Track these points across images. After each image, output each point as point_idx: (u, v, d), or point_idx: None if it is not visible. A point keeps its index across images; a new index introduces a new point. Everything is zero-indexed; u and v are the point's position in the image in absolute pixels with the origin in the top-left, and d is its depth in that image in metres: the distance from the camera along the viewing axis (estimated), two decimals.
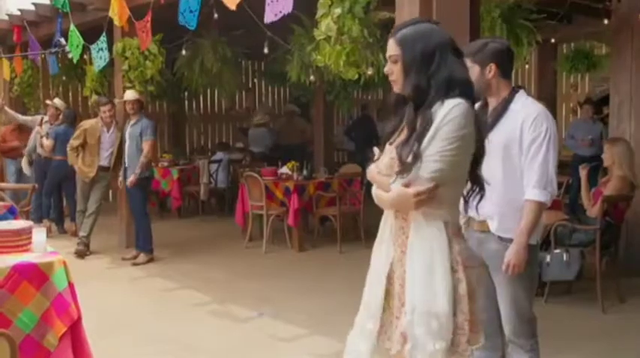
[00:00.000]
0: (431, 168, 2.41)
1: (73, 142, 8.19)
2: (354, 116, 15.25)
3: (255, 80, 15.27)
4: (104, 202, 8.50)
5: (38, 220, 9.42)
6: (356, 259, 8.01)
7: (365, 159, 10.84)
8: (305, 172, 8.67)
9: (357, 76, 5.42)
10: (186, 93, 13.46)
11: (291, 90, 14.58)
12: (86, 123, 8.29)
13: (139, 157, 7.58)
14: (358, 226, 8.55)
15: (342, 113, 14.20)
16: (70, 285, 3.62)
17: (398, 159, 2.47)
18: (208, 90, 14.34)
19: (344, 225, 8.42)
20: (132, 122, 7.73)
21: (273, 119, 14.10)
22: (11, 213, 6.69)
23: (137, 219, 7.82)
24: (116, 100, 8.06)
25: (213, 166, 10.92)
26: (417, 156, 2.42)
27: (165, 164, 10.98)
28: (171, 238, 9.35)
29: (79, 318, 3.64)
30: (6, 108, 10.51)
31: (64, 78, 11.06)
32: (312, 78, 8.11)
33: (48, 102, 9.92)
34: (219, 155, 11.39)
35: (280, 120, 13.98)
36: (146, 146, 7.63)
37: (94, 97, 8.85)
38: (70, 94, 12.61)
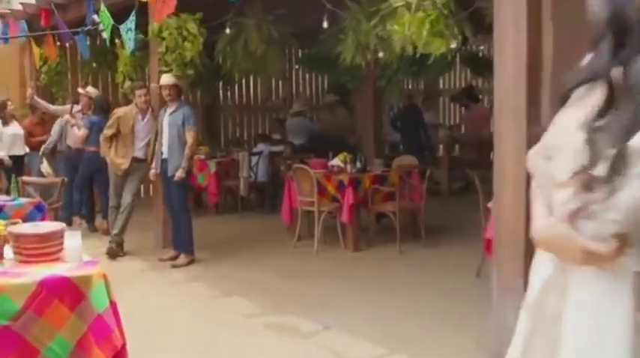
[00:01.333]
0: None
1: (107, 132, 7.46)
2: (395, 105, 14.46)
3: (296, 66, 14.43)
4: (137, 198, 7.75)
5: (68, 218, 8.72)
6: (416, 259, 7.23)
7: (412, 151, 9.91)
8: (359, 164, 7.85)
9: (442, 49, 4.58)
10: (220, 83, 12.71)
11: (333, 79, 13.78)
12: (119, 111, 7.57)
13: (180, 148, 6.84)
14: (418, 224, 7.72)
15: (390, 101, 13.32)
16: (113, 305, 2.86)
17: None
18: (243, 81, 13.61)
19: (402, 222, 7.59)
20: (171, 109, 6.99)
21: (311, 109, 13.31)
22: (39, 211, 5.97)
23: (178, 217, 7.07)
24: (152, 85, 7.31)
25: (253, 159, 10.14)
26: (619, 167, 1.61)
27: (202, 157, 10.22)
28: (210, 237, 8.60)
29: (124, 346, 2.87)
30: (36, 97, 9.83)
31: (94, 65, 10.36)
32: (369, 58, 7.29)
33: (80, 90, 9.21)
34: (259, 147, 10.61)
35: (321, 111, 13.20)
36: (190, 136, 6.88)
37: (127, 84, 8.10)
38: (100, 83, 11.88)
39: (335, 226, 7.81)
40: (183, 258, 7.03)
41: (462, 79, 16.17)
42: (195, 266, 7.06)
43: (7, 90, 11.34)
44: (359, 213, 7.69)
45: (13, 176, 6.44)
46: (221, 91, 13.37)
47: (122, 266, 7.13)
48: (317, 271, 6.82)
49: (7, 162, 9.68)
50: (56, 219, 6.44)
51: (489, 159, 13.52)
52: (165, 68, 7.31)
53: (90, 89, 9.20)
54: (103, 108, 8.53)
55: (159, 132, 7.10)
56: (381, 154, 10.02)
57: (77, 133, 8.54)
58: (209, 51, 8.73)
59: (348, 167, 7.75)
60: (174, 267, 6.94)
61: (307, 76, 14.84)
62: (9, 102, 9.91)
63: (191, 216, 7.13)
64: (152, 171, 7.23)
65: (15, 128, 9.89)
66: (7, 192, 10.04)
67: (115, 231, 7.45)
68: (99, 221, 8.83)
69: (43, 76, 10.71)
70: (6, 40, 10.36)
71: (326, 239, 7.84)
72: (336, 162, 7.94)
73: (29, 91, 9.91)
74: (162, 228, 7.69)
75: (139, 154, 7.47)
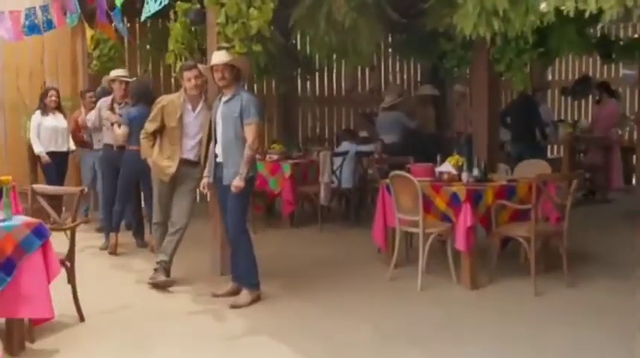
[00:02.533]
0: None
1: (148, 126, 5.82)
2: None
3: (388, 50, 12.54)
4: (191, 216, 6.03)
5: (108, 233, 7.19)
6: (559, 303, 5.27)
7: (525, 152, 7.88)
8: (476, 171, 5.93)
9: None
10: (299, 70, 10.96)
11: (431, 66, 11.88)
12: (164, 99, 5.90)
13: (238, 148, 5.14)
14: (560, 253, 5.71)
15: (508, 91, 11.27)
16: None
17: None
18: (325, 69, 11.82)
19: (537, 250, 5.62)
20: (226, 98, 5.28)
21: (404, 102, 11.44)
22: (38, 236, 4.36)
23: (234, 241, 5.35)
24: (201, 66, 5.59)
25: (337, 161, 8.33)
26: None
27: (275, 157, 8.50)
28: (282, 258, 6.88)
29: None
30: (88, 121, 8.11)
31: (147, 47, 8.80)
32: (496, 28, 5.34)
33: (112, 74, 7.66)
34: (344, 146, 8.80)
35: (413, 104, 11.29)
36: (250, 132, 5.14)
37: (179, 65, 6.42)
38: (162, 70, 10.35)
39: (444, 251, 5.91)
40: (245, 296, 5.29)
41: (574, 68, 13.95)
42: (262, 305, 5.31)
43: (57, 79, 10.00)
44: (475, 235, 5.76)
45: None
46: (299, 80, 11.61)
47: (164, 304, 5.45)
48: (430, 321, 4.93)
49: (45, 159, 8.25)
50: (72, 245, 4.80)
51: (616, 162, 11.48)
52: (225, 44, 5.59)
53: (120, 72, 7.64)
54: (143, 95, 6.91)
55: (212, 128, 5.39)
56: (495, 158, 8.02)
57: (117, 132, 6.97)
58: (284, 29, 6.94)
59: (464, 175, 5.83)
60: (233, 307, 5.20)
61: (398, 64, 12.94)
62: (50, 92, 8.45)
63: (250, 240, 5.35)
64: (204, 180, 5.53)
65: (57, 120, 8.43)
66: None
67: (162, 257, 5.78)
68: (149, 235, 7.19)
69: (95, 62, 9.22)
70: (50, 26, 8.86)
71: (432, 268, 5.94)
72: (446, 167, 6.03)
73: (80, 116, 8.41)
74: (221, 250, 5.99)
75: (190, 156, 5.78)
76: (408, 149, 10.83)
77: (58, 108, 8.48)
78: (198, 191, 5.95)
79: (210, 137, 5.47)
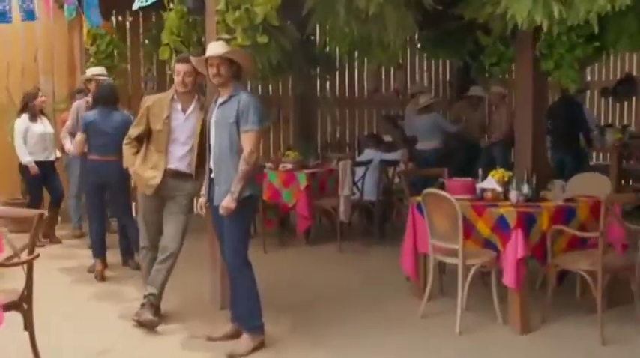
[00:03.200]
0: None
1: (132, 131, 4.88)
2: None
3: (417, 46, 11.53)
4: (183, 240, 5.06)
5: (99, 256, 6.29)
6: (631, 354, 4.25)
7: (568, 160, 6.72)
8: (526, 188, 4.92)
9: None
10: (317, 68, 9.99)
11: (459, 65, 10.92)
12: (150, 99, 4.95)
13: (232, 161, 4.21)
14: (630, 290, 4.69)
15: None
16: None
17: None
18: (346, 67, 10.87)
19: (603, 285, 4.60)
20: (221, 99, 4.34)
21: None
22: None
23: (232, 273, 4.38)
24: (193, 59, 4.62)
25: (359, 171, 7.34)
26: None
27: (289, 166, 7.54)
28: (294, 286, 5.94)
29: None
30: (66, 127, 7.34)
31: (146, 42, 7.90)
32: (556, 14, 4.35)
33: (88, 73, 6.85)
34: (368, 153, 7.80)
35: (459, 107, 10.34)
36: (247, 141, 4.19)
37: (174, 61, 5.48)
38: (168, 69, 9.44)
39: (486, 283, 4.92)
40: (245, 342, 4.32)
41: (615, 67, 12.83)
42: (264, 354, 4.34)
43: (53, 79, 9.14)
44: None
45: None
46: (318, 80, 10.62)
47: (149, 349, 4.52)
48: None
49: (34, 169, 7.37)
50: (29, 283, 3.86)
51: None
52: (226, 36, 4.65)
53: (96, 70, 6.80)
54: (102, 97, 6.18)
55: (206, 135, 4.45)
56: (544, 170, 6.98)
57: (76, 139, 6.30)
58: (299, 22, 5.96)
59: (513, 194, 4.82)
60: (230, 357, 4.25)
61: (425, 62, 11.93)
62: (40, 93, 7.57)
63: (252, 275, 4.35)
64: (201, 199, 4.57)
65: (45, 125, 7.55)
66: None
67: (150, 290, 4.83)
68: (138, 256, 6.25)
69: (92, 59, 8.34)
70: (29, 15, 7.98)
71: (472, 305, 4.94)
72: (490, 183, 5.03)
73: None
74: (221, 279, 5.03)
75: (181, 166, 4.81)
76: (451, 157, 9.92)
77: (43, 111, 7.60)
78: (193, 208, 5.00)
79: (204, 146, 4.54)
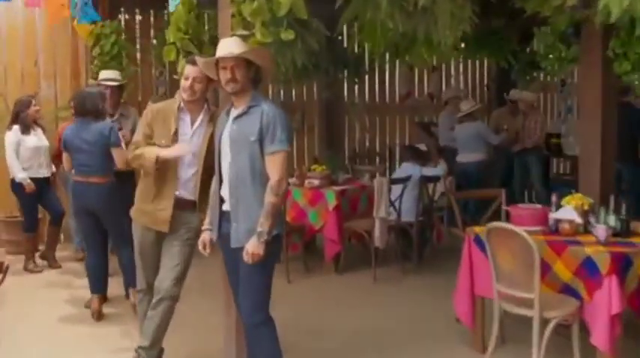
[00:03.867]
0: None
1: (138, 137, 3.96)
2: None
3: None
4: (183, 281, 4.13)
5: (96, 292, 5.40)
6: None
7: (629, 174, 5.64)
8: (613, 220, 3.96)
9: None
10: (345, 72, 9.06)
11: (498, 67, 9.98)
12: (154, 107, 4.04)
13: (254, 190, 3.33)
14: None
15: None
16: None
17: None
18: (376, 72, 9.91)
19: None
20: (237, 111, 3.43)
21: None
22: None
23: (249, 330, 3.46)
24: (199, 59, 3.70)
25: (396, 188, 6.39)
26: None
27: (316, 183, 6.63)
28: (322, 327, 5.01)
29: None
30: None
31: (154, 42, 7.04)
32: None
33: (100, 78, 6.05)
34: (406, 168, 6.83)
35: (497, 115, 9.40)
36: (275, 165, 3.28)
37: (182, 63, 4.58)
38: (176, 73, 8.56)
39: (565, 336, 3.96)
40: None
41: None
42: None
43: (55, 84, 8.31)
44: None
45: None
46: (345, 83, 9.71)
47: None
48: None
49: (30, 187, 6.51)
50: None
51: None
52: (243, 32, 3.75)
53: (108, 74, 5.98)
54: (76, 107, 5.34)
55: (216, 156, 3.54)
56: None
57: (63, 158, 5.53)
58: (327, 18, 5.02)
59: (601, 230, 3.85)
60: None
61: (461, 63, 10.97)
62: (34, 102, 6.72)
63: (274, 332, 3.42)
64: (204, 235, 3.65)
65: (40, 139, 6.70)
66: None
67: (141, 342, 3.94)
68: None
69: (95, 62, 7.48)
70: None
71: None
72: (567, 213, 4.08)
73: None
74: (236, 336, 4.09)
75: (186, 192, 3.91)
76: (492, 170, 8.98)
77: (36, 122, 6.74)
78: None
79: (210, 168, 3.64)
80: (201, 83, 3.79)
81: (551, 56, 6.27)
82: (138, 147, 3.90)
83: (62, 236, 7.99)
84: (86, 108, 5.25)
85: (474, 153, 7.98)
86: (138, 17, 8.45)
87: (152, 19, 8.49)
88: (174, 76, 5.25)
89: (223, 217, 3.49)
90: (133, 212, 4.02)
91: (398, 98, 10.46)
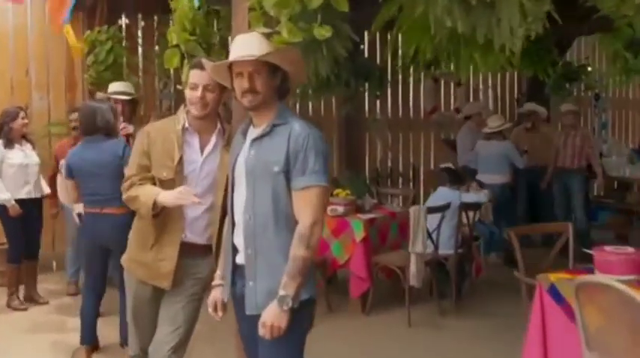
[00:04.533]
0: None
1: (132, 170, 3.07)
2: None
3: None
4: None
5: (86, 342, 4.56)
6: None
7: None
8: None
9: None
10: (366, 85, 8.26)
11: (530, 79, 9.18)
12: (151, 129, 3.12)
13: (278, 238, 2.51)
14: None
15: None
16: None
17: None
18: (399, 85, 9.10)
19: None
20: (258, 130, 2.60)
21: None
22: None
23: None
24: (206, 62, 2.84)
25: (432, 220, 5.52)
26: None
27: (340, 210, 5.78)
28: None
29: None
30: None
31: (157, 48, 6.26)
32: None
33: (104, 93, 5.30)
34: (443, 193, 5.95)
35: (516, 134, 8.57)
36: (308, 204, 2.46)
37: (187, 69, 3.76)
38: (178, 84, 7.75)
39: None
40: None
41: None
42: None
43: (48, 96, 7.53)
44: None
45: None
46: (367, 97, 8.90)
47: None
48: None
49: (15, 210, 5.69)
50: None
51: None
52: (263, 29, 2.92)
53: (118, 86, 5.18)
54: (82, 125, 4.60)
55: (229, 187, 2.71)
56: None
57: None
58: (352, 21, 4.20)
59: None
60: None
61: (490, 75, 10.16)
62: (22, 115, 5.91)
63: None
64: (214, 294, 2.81)
65: (27, 155, 5.88)
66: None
67: None
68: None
69: (89, 71, 6.71)
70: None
71: None
72: None
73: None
74: None
75: (193, 235, 3.06)
76: (521, 197, 8.22)
77: (25, 137, 5.94)
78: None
79: (225, 205, 2.82)
80: (214, 92, 2.95)
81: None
82: (133, 185, 3.02)
83: (55, 263, 7.21)
84: (97, 125, 4.47)
85: (498, 175, 7.15)
86: (141, 23, 7.65)
87: (155, 24, 7.68)
88: (178, 86, 4.39)
89: (236, 272, 2.65)
90: (125, 261, 3.18)
91: (423, 113, 9.64)
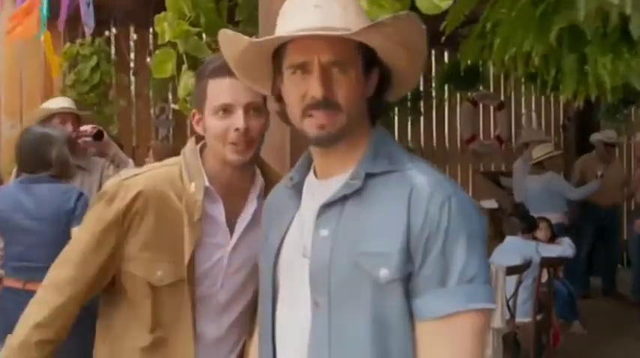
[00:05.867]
0: None
1: (62, 276, 1.68)
2: None
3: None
4: None
5: None
6: None
7: None
8: None
9: None
10: (395, 109, 7.12)
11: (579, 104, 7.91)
12: (141, 181, 1.67)
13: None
14: None
15: None
16: None
17: None
18: (433, 109, 7.90)
19: None
20: (334, 185, 1.31)
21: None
22: None
23: None
24: (226, 32, 1.50)
25: (509, 280, 4.22)
26: None
27: None
28: None
29: None
30: None
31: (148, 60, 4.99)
32: None
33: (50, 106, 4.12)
34: (517, 246, 4.62)
35: (582, 162, 7.38)
36: (452, 348, 1.15)
37: (191, 83, 2.47)
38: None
39: None
40: None
41: None
42: None
43: (20, 119, 6.25)
44: None
45: None
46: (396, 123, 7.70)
47: None
48: None
49: None
50: None
51: None
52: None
53: (61, 102, 4.04)
54: (18, 157, 3.31)
55: (264, 295, 1.41)
56: None
57: None
58: None
59: None
60: None
61: (534, 99, 8.96)
62: None
63: None
64: None
65: None
66: None
67: None
68: None
69: (71, 93, 5.45)
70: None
71: None
72: None
73: None
74: None
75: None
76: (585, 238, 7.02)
77: None
78: None
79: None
80: (262, 117, 1.64)
81: None
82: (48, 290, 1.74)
83: None
84: (43, 158, 3.17)
85: (548, 214, 5.88)
86: (133, 35, 6.41)
87: (150, 40, 6.41)
88: (174, 105, 3.10)
89: None
90: None
91: (459, 142, 8.38)
